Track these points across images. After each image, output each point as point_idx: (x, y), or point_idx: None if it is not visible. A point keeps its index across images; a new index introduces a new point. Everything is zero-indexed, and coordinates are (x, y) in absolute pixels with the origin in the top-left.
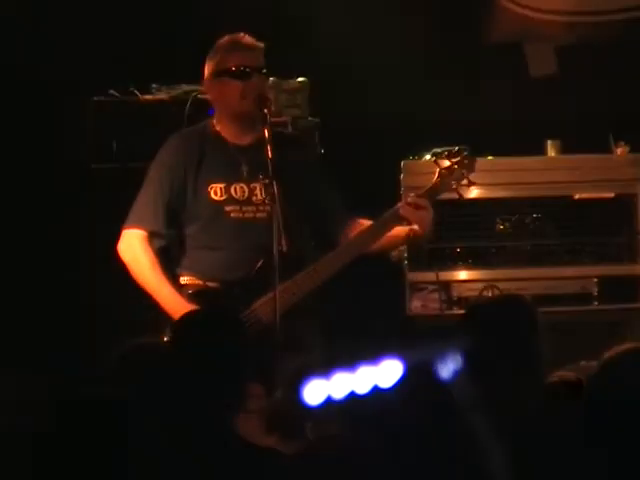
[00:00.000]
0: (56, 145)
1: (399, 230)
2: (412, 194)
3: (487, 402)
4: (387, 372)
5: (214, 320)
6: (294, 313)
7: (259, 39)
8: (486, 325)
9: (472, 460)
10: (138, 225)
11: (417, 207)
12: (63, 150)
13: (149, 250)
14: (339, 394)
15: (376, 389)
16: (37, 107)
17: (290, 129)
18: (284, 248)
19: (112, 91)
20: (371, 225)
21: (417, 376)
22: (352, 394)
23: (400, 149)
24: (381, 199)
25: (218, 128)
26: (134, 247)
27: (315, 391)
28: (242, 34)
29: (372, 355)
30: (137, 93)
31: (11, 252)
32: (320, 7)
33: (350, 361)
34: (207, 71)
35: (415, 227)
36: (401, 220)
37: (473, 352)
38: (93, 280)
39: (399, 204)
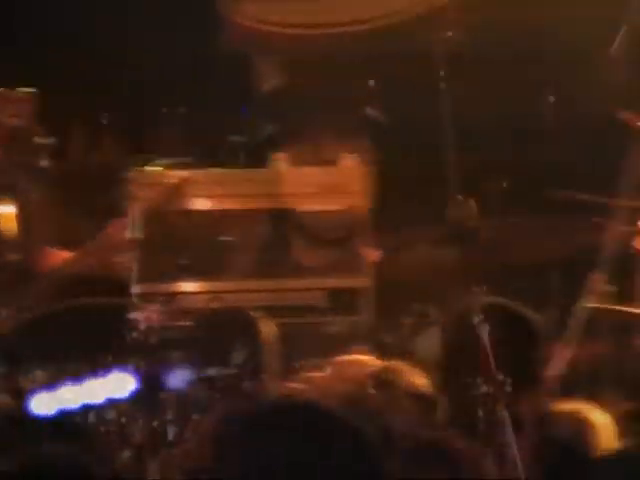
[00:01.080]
0: None
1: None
2: (136, 206)
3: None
4: (119, 384)
5: None
6: (19, 329)
7: None
8: (210, 336)
9: None
10: None
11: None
12: None
13: None
14: (72, 406)
15: (110, 400)
16: None
17: None
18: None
19: None
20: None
21: (147, 386)
22: (85, 406)
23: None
24: (109, 211)
25: None
26: None
27: (45, 404)
28: None
29: (102, 368)
30: None
31: None
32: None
33: (80, 374)
34: None
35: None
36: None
37: (200, 362)
38: None
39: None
